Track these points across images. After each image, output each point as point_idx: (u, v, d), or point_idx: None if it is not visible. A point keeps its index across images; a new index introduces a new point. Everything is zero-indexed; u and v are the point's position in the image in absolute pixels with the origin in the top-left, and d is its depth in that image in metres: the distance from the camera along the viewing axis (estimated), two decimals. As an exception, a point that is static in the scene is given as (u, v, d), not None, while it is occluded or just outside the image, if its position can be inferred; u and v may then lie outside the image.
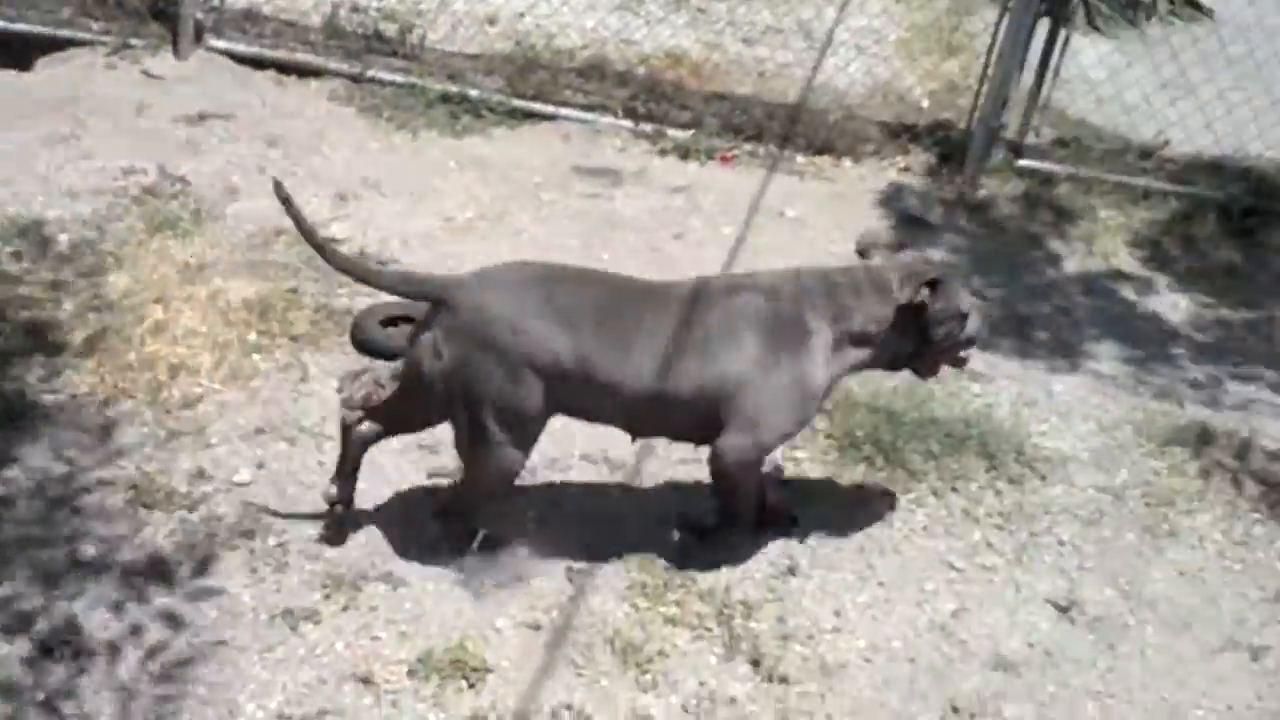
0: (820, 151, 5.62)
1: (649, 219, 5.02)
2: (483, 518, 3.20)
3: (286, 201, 2.94)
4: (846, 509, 3.61)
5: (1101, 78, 5.90)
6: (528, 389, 2.97)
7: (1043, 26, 5.37)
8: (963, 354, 3.45)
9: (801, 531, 3.49)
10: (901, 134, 5.65)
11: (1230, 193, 5.45)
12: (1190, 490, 3.86)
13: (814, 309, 3.18)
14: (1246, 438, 4.10)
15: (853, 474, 3.74)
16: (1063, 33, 5.33)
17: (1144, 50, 6.15)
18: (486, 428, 2.99)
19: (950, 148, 5.58)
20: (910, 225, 5.20)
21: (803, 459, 3.78)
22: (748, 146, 5.60)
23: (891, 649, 3.16)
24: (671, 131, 5.60)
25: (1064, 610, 3.36)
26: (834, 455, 3.80)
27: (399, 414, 3.17)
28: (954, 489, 3.74)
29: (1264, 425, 4.22)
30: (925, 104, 5.92)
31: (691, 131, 5.61)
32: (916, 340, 3.29)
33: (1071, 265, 5.08)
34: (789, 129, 5.65)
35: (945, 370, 4.16)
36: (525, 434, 3.06)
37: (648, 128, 5.61)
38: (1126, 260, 5.16)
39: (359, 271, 3.21)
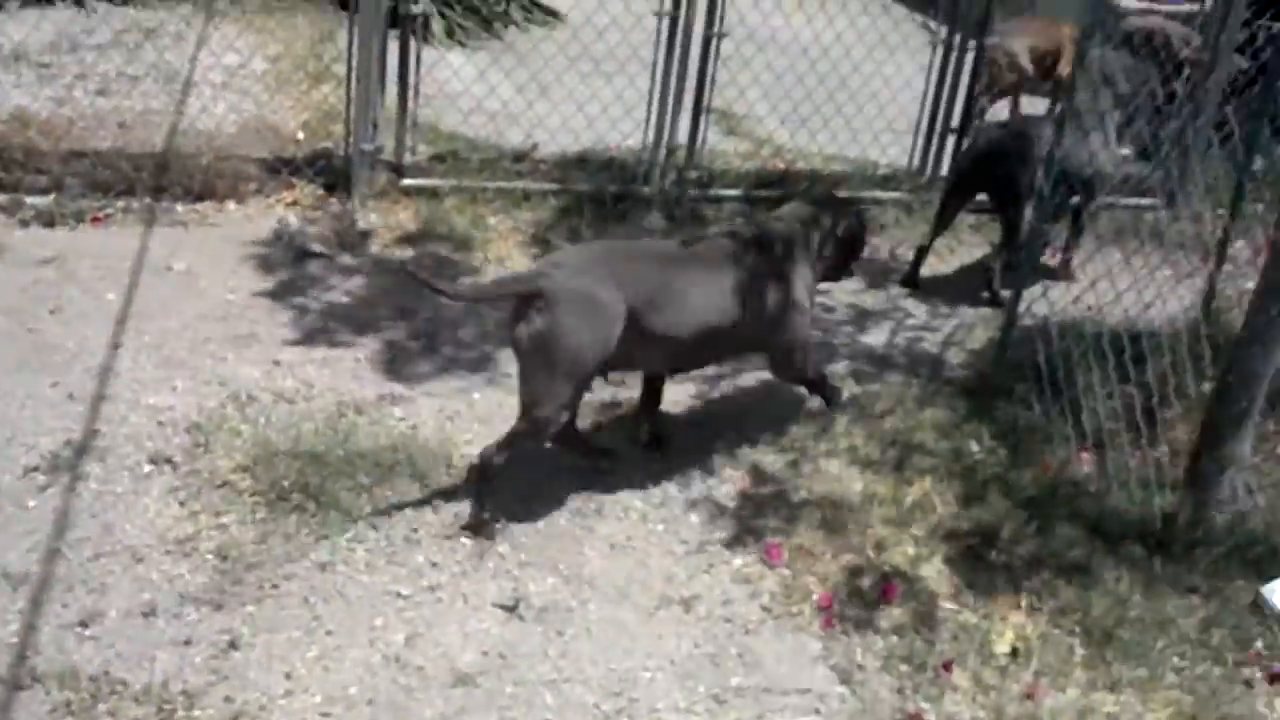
0: (200, 197, 5.40)
1: (18, 298, 4.57)
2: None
3: (413, 276, 3.83)
4: (283, 565, 3.48)
5: (459, 90, 6.11)
6: (594, 352, 3.64)
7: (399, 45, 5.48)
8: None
9: (239, 601, 3.33)
10: (281, 169, 5.54)
11: (599, 183, 5.86)
12: (609, 468, 4.09)
13: (798, 247, 4.10)
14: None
15: (285, 526, 3.62)
16: (414, 48, 5.45)
17: (491, 59, 6.45)
18: (556, 381, 3.62)
19: (334, 176, 5.56)
20: (307, 260, 5.12)
21: (230, 523, 3.60)
22: (120, 203, 5.27)
23: (349, 697, 3.08)
24: (30, 199, 5.16)
25: (512, 610, 3.44)
26: (263, 513, 3.65)
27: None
28: (391, 517, 3.72)
29: (671, 394, 4.56)
30: (301, 135, 5.84)
31: (52, 196, 5.19)
32: (844, 256, 4.33)
33: (473, 278, 5.22)
34: (161, 179, 5.37)
35: (368, 399, 4.17)
36: (580, 390, 3.73)
37: (1, 199, 5.12)
38: (522, 262, 5.37)
39: (479, 295, 4.47)
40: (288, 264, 5.07)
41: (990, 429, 4.37)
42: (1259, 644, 3.50)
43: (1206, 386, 4.06)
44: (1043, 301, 4.66)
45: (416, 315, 4.86)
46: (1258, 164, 4.94)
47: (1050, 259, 5.72)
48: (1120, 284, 4.49)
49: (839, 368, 4.87)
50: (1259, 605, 3.59)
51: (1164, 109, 5.56)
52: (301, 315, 4.75)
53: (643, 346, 3.77)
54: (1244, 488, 3.88)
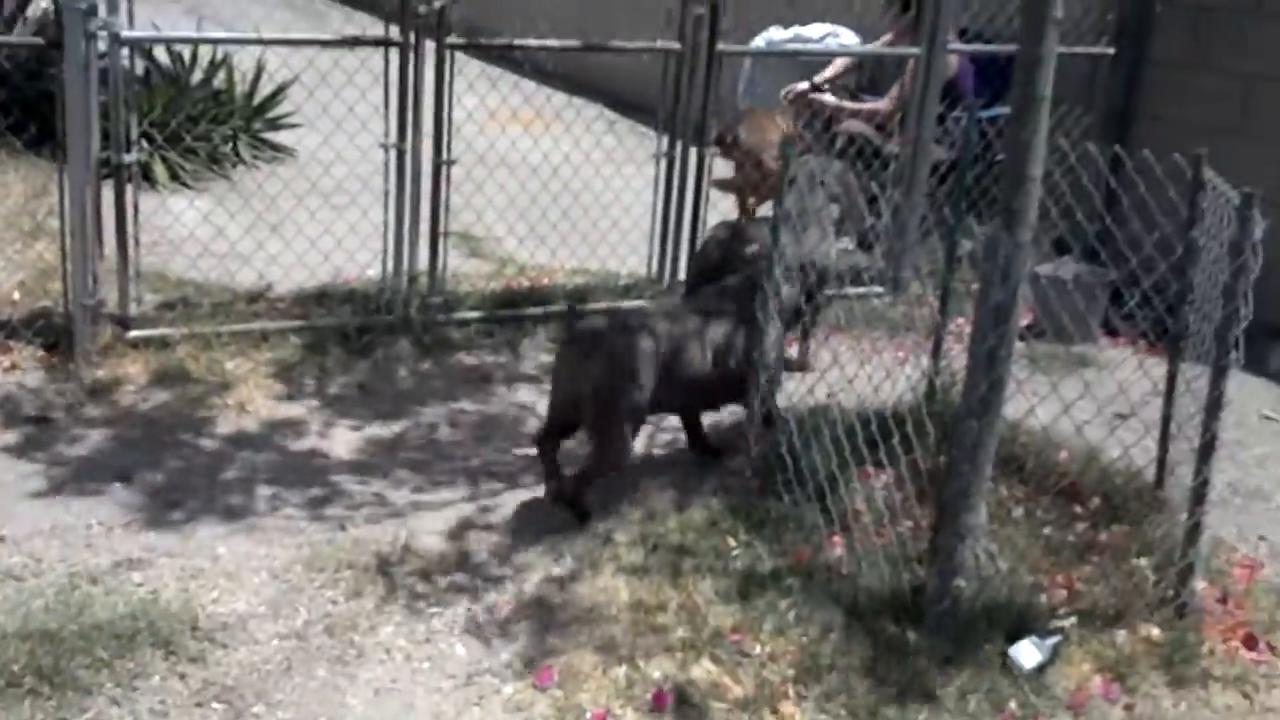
0: (-94, 375, 5.07)
1: None
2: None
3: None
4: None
5: (184, 234, 5.97)
6: (644, 396, 4.48)
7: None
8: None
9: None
10: (-3, 333, 5.26)
11: (341, 317, 5.78)
12: (368, 608, 3.98)
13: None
14: (405, 542, 4.33)
15: (18, 715, 3.35)
16: (131, 196, 5.30)
17: (215, 200, 6.33)
18: (620, 426, 4.50)
19: (55, 335, 5.30)
20: (31, 425, 4.85)
21: (-47, 720, 3.32)
22: None
23: None
24: None
25: (271, 775, 3.28)
26: (-10, 703, 3.39)
27: (563, 428, 4.67)
28: (135, 689, 3.50)
29: (421, 524, 4.48)
30: (16, 296, 5.56)
31: None
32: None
33: (216, 425, 5.04)
34: None
35: (103, 567, 3.95)
36: (638, 429, 4.65)
37: None
38: (267, 405, 5.23)
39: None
40: (10, 433, 4.79)
41: (745, 524, 4.45)
42: (1012, 704, 3.64)
43: (944, 460, 4.26)
44: (781, 394, 4.81)
45: (153, 472, 4.66)
46: (967, 246, 5.26)
47: (789, 350, 5.93)
48: (850, 370, 4.69)
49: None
50: (1008, 666, 3.74)
51: (875, 202, 5.90)
52: (27, 486, 4.48)
53: (668, 391, 4.58)
54: (984, 554, 4.06)
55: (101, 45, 5.17)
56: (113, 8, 5.14)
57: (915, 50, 6.61)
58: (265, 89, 8.34)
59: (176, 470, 4.70)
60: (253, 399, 5.25)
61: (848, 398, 4.76)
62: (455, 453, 5.03)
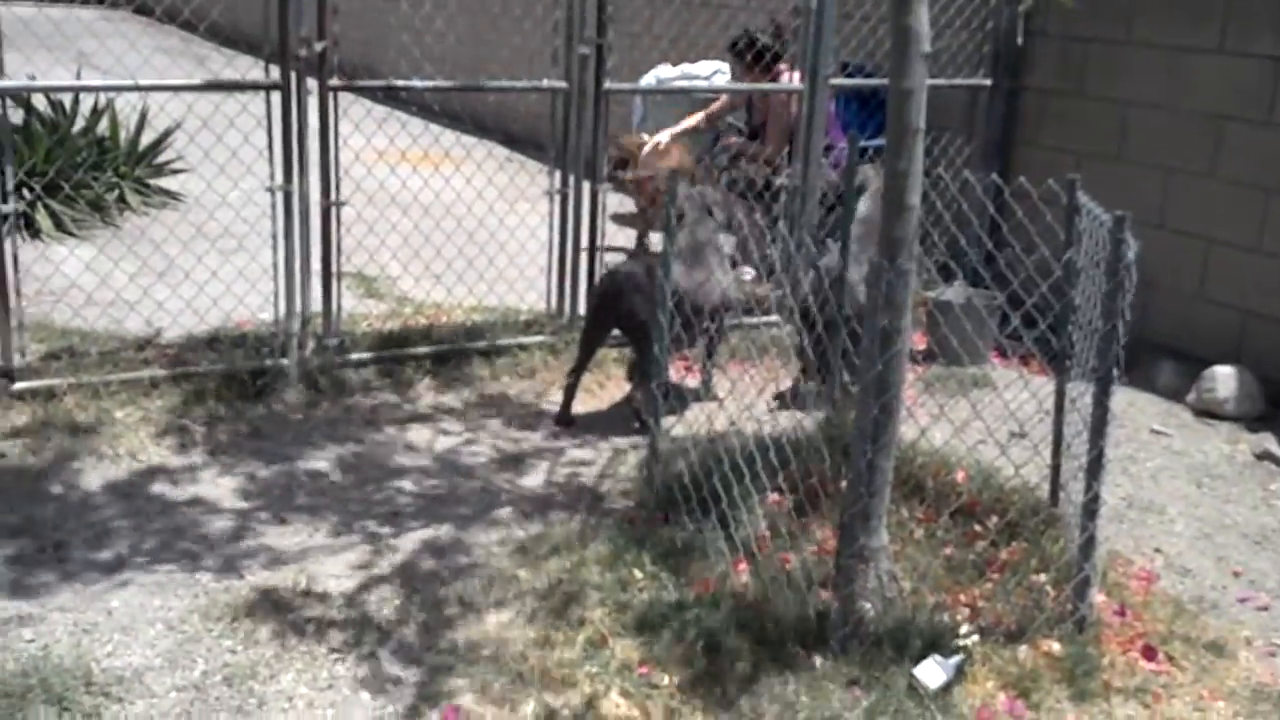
0: None
1: None
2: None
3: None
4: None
5: (66, 284, 5.82)
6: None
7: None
8: None
9: None
10: None
11: (232, 362, 5.67)
12: (268, 656, 3.89)
13: None
14: (304, 587, 4.24)
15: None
16: (10, 247, 5.16)
17: (97, 248, 6.19)
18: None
19: (-67, 389, 5.13)
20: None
21: None
22: None
23: None
24: None
25: (172, 832, 3.18)
26: None
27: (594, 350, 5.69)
28: (24, 753, 3.38)
29: (321, 567, 4.40)
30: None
31: None
32: None
33: (102, 476, 4.91)
34: None
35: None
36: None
37: None
38: (160, 454, 5.11)
39: None
40: (-116, 491, 4.61)
41: (651, 555, 4.44)
42: (919, 722, 3.67)
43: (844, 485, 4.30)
44: (682, 423, 4.83)
45: (42, 525, 4.51)
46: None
47: (690, 379, 5.96)
48: (750, 397, 4.73)
49: (503, 513, 4.86)
50: (914, 687, 3.78)
51: (769, 230, 5.98)
52: (-96, 546, 4.31)
53: None
54: (887, 576, 4.10)
55: (-28, 95, 5.05)
56: (-17, 58, 5.02)
57: (799, 86, 6.72)
58: (149, 135, 8.20)
59: (67, 523, 4.56)
60: (144, 448, 5.12)
61: (748, 424, 4.79)
62: (354, 495, 4.96)
